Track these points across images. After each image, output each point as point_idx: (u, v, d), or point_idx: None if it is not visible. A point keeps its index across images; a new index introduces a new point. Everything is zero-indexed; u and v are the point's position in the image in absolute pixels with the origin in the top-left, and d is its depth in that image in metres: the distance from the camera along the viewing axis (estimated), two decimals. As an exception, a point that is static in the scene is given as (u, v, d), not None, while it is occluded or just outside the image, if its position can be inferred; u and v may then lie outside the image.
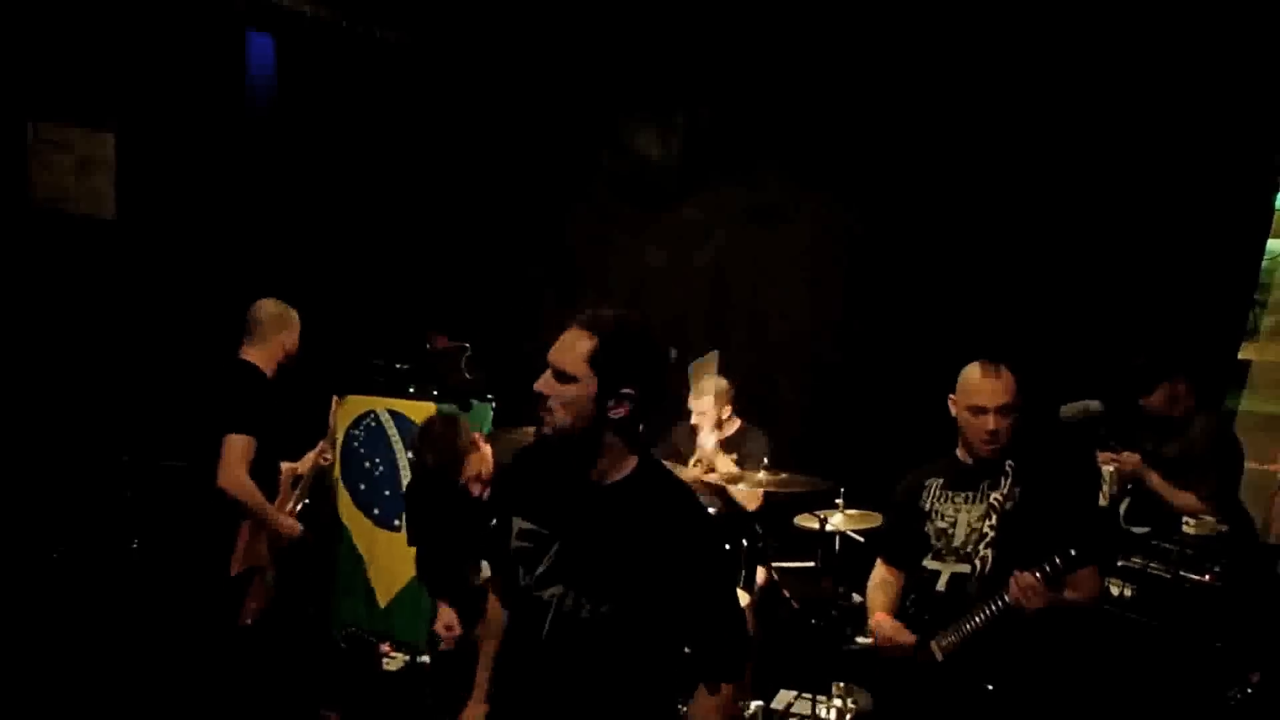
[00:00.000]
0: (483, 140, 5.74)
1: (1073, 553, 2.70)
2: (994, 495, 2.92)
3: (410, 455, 4.92)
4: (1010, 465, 2.95)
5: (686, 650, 2.18)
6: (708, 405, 4.70)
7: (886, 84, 5.01)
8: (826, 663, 4.06)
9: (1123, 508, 4.05)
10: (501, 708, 2.33)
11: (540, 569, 2.15)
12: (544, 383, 2.09)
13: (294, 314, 3.90)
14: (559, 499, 2.18)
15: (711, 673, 2.16)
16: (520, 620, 2.24)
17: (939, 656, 2.91)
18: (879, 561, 3.27)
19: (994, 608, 2.80)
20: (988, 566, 2.88)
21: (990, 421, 2.87)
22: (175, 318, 4.79)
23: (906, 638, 2.98)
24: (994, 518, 2.90)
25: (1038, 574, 2.71)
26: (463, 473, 3.70)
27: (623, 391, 2.06)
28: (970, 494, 2.98)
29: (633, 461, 2.15)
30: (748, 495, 4.59)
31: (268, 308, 3.84)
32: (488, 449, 3.81)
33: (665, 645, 2.16)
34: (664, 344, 2.22)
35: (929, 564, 3.01)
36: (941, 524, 3.00)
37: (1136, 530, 3.90)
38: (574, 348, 2.06)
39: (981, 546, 2.90)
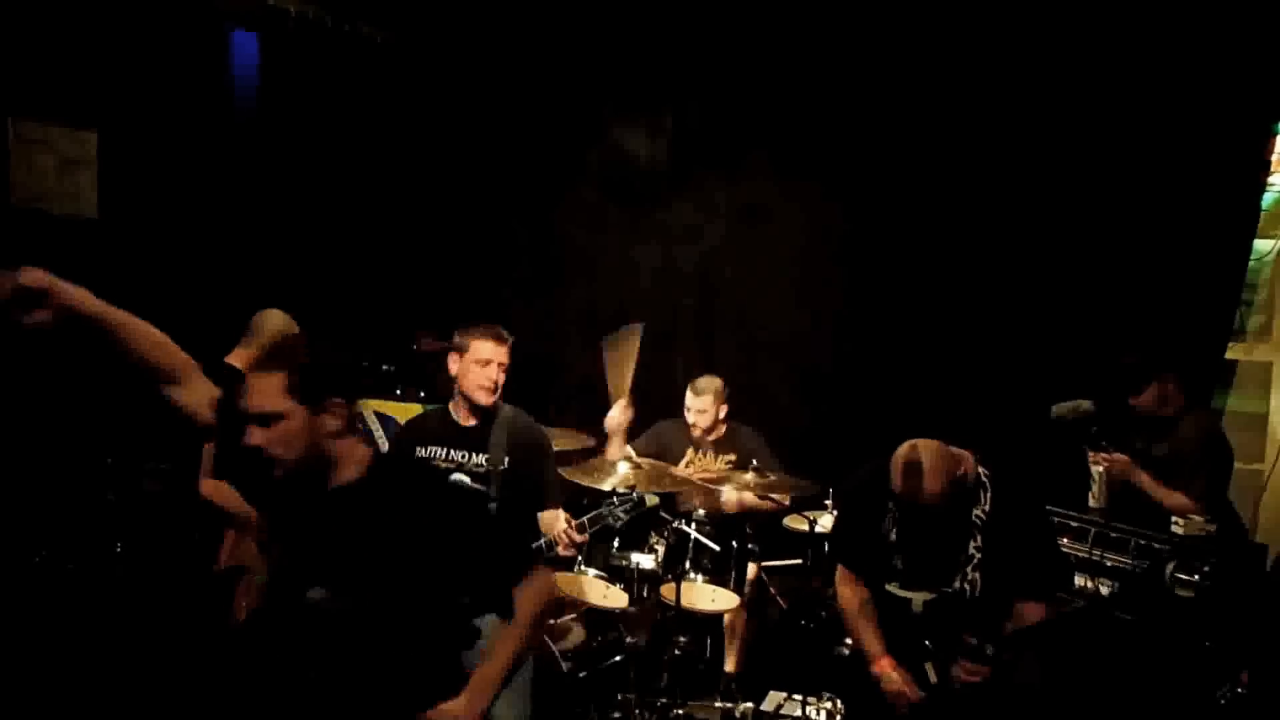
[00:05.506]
0: (469, 139, 5.71)
1: (989, 650, 2.75)
2: (975, 512, 2.87)
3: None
4: (985, 475, 2.89)
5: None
6: (708, 404, 4.66)
7: (875, 81, 5.01)
8: (816, 664, 4.05)
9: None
10: None
11: None
12: None
13: (296, 330, 3.82)
14: None
15: None
16: None
17: (933, 677, 2.88)
18: (844, 573, 3.16)
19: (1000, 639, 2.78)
20: (977, 589, 2.84)
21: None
22: (158, 318, 4.73)
23: (915, 693, 2.89)
24: (978, 538, 2.85)
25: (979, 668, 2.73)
26: None
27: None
28: (932, 531, 2.89)
29: None
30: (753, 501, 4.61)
31: (274, 320, 3.73)
32: None
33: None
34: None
35: (896, 591, 2.96)
36: (911, 559, 2.95)
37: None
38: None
39: (970, 569, 2.85)
